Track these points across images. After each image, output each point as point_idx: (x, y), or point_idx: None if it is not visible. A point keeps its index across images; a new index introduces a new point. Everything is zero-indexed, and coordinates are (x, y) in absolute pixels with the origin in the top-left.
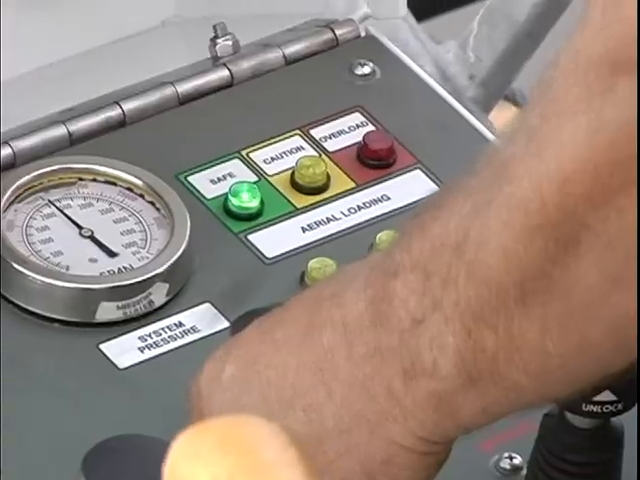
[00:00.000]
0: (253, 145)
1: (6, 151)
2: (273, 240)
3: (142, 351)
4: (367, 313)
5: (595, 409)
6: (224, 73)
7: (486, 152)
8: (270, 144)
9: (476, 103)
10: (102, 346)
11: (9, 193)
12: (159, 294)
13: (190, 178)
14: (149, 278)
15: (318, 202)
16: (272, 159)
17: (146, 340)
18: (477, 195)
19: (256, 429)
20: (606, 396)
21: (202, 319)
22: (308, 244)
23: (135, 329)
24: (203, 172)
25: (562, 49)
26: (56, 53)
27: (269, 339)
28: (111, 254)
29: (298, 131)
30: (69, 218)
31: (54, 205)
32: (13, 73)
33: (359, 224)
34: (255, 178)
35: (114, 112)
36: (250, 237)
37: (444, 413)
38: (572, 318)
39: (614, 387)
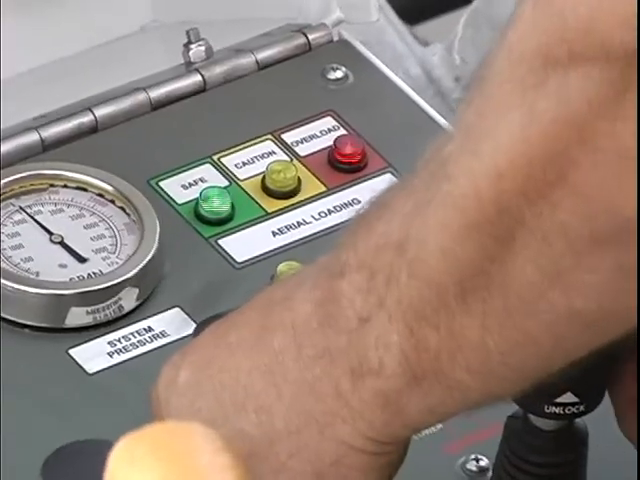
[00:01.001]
0: (225, 150)
1: None
2: (243, 244)
3: (111, 356)
4: (315, 315)
5: (558, 411)
6: (197, 78)
7: (427, 151)
8: (242, 149)
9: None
10: (71, 351)
11: None
12: (129, 299)
13: (162, 183)
14: (119, 283)
15: (289, 206)
16: (243, 164)
17: (115, 345)
18: (418, 194)
19: (190, 435)
20: (568, 398)
21: (171, 323)
22: (278, 248)
23: (105, 334)
24: (175, 177)
25: (495, 46)
26: (32, 60)
27: (223, 343)
28: (81, 260)
29: (270, 136)
30: (40, 224)
31: (25, 211)
32: None
33: (329, 228)
34: (226, 183)
35: (86, 118)
36: (220, 242)
37: (391, 413)
38: (511, 314)
39: (575, 388)
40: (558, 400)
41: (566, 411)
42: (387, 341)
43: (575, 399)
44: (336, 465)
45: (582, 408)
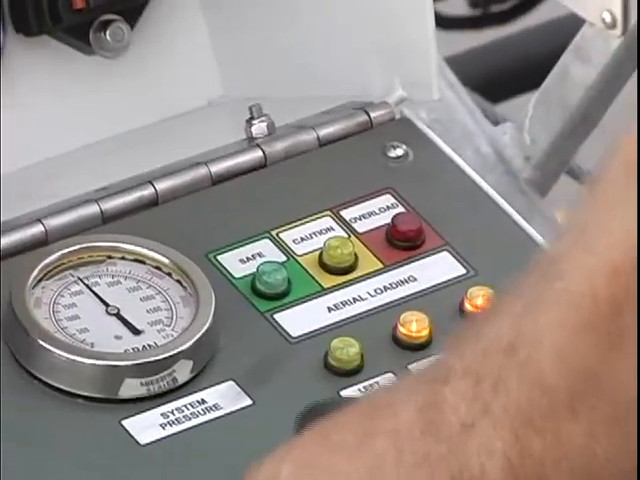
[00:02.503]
0: (283, 225)
1: (38, 229)
2: (299, 319)
3: (164, 427)
4: (417, 421)
5: None
6: (257, 154)
7: (536, 257)
8: (300, 224)
9: (532, 184)
10: (124, 422)
11: (37, 270)
12: (183, 371)
13: (220, 257)
14: (173, 355)
15: (345, 282)
16: (302, 239)
17: (168, 417)
18: (528, 294)
19: None
20: None
21: (225, 397)
22: (333, 324)
23: (158, 406)
24: (233, 251)
25: (608, 151)
26: (98, 132)
27: (327, 442)
28: (136, 332)
29: (329, 212)
30: (97, 295)
31: (82, 282)
32: (50, 153)
33: (385, 304)
34: (284, 258)
35: (147, 191)
36: (276, 316)
37: None
38: (619, 422)
39: None
40: None
41: None
42: (490, 447)
43: None
44: None
45: None
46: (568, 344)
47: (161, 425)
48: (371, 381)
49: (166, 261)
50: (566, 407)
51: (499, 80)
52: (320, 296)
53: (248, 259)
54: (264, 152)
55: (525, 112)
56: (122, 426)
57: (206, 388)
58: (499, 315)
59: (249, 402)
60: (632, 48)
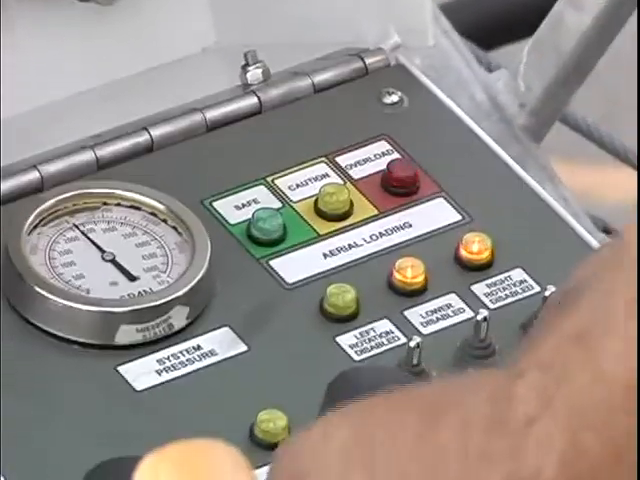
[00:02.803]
0: (279, 172)
1: (34, 175)
2: (294, 266)
3: (160, 374)
4: (485, 416)
5: None
6: (253, 100)
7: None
8: (295, 171)
9: (527, 131)
10: (120, 368)
11: (33, 217)
12: (179, 317)
13: (215, 204)
14: (169, 301)
15: (341, 229)
16: (297, 186)
17: (164, 363)
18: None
19: (213, 452)
20: None
21: (221, 343)
22: (329, 270)
23: (154, 352)
24: (228, 198)
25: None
26: (93, 79)
27: (387, 420)
28: (132, 278)
29: (324, 158)
30: (92, 242)
31: (78, 229)
32: (47, 99)
33: (380, 251)
34: (279, 204)
35: (142, 138)
36: (272, 262)
37: None
38: None
39: None
40: None
41: None
42: (549, 443)
43: None
44: None
45: None
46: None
47: (157, 371)
48: (367, 327)
49: (162, 207)
50: (623, 403)
51: (493, 27)
52: (315, 242)
53: (243, 205)
54: (259, 98)
55: (519, 59)
56: (118, 372)
57: (202, 334)
58: (576, 306)
59: (245, 348)
60: None
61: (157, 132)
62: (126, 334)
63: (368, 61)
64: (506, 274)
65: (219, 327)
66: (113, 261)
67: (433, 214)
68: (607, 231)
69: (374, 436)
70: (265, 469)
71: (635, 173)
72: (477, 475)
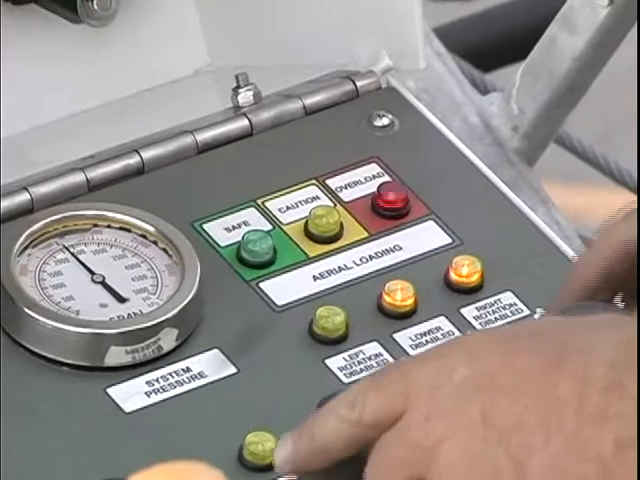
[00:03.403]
0: (269, 194)
1: (24, 196)
2: (284, 288)
3: (149, 395)
4: (606, 376)
5: None
6: (244, 123)
7: None
8: (286, 193)
9: (520, 154)
10: (109, 390)
11: (23, 238)
12: (168, 339)
13: (205, 226)
14: (158, 323)
15: (330, 251)
16: (287, 208)
17: (153, 385)
18: None
19: (197, 476)
20: None
21: (210, 365)
22: (318, 292)
23: (143, 374)
24: (218, 220)
25: None
26: (86, 101)
27: (510, 361)
28: (121, 300)
29: (314, 181)
30: (82, 263)
31: (68, 250)
32: (40, 121)
33: (370, 273)
34: (270, 226)
35: (133, 160)
36: (261, 285)
37: None
38: None
39: None
40: None
41: None
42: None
43: None
44: None
45: None
46: None
47: (146, 393)
48: (356, 349)
49: (152, 229)
50: None
51: (487, 50)
52: (305, 265)
53: (234, 227)
54: (250, 121)
55: (512, 82)
56: (107, 394)
57: (191, 356)
58: None
59: (234, 370)
60: (620, 16)
61: (148, 154)
62: (115, 356)
63: (359, 84)
64: (496, 297)
65: (208, 349)
66: (103, 283)
67: (423, 237)
68: None
69: (495, 378)
70: None
71: (629, 194)
72: (590, 434)
